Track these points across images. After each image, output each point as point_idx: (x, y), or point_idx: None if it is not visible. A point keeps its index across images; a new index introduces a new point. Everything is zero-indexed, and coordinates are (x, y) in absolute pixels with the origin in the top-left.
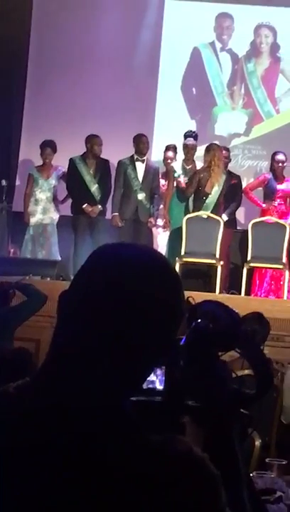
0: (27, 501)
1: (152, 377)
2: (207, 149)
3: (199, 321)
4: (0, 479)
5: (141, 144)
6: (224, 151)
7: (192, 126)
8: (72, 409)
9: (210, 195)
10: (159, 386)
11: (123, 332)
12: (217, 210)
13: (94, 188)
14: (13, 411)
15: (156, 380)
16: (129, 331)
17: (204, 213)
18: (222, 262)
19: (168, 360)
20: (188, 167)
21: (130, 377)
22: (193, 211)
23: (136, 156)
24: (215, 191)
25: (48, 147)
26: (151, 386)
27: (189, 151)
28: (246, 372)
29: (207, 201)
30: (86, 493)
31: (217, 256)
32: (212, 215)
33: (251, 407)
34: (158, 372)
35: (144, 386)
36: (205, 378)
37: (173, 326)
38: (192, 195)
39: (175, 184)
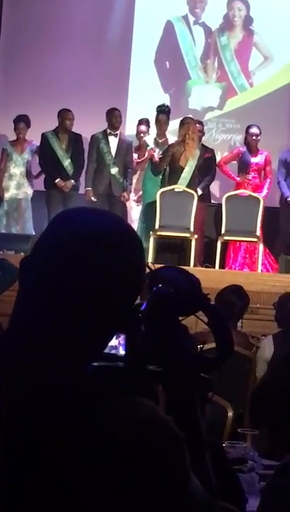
0: None
1: (115, 342)
2: (182, 123)
3: (160, 286)
4: None
5: (113, 118)
6: (198, 125)
7: (165, 99)
8: (33, 376)
9: (185, 170)
10: (122, 351)
11: (82, 298)
12: (192, 184)
13: (66, 162)
14: None
15: (119, 345)
16: (88, 296)
17: (178, 187)
18: (196, 236)
19: (129, 326)
20: (160, 141)
21: (91, 344)
22: (169, 185)
23: (109, 131)
24: (189, 165)
25: (22, 122)
26: (114, 351)
27: (161, 126)
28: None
29: (182, 175)
30: (53, 463)
31: (192, 229)
32: (186, 189)
33: (213, 372)
34: (122, 337)
35: (107, 351)
36: (165, 343)
37: (134, 291)
38: (168, 170)
39: (147, 157)
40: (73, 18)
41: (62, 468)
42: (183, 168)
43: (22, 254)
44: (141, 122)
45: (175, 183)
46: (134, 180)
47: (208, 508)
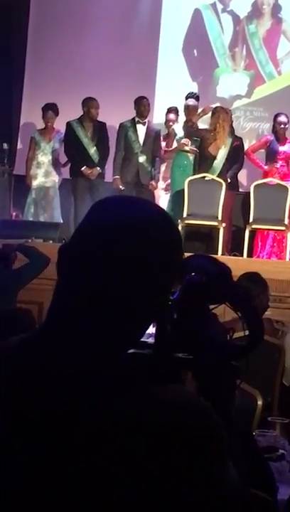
0: (25, 466)
1: (152, 330)
2: (213, 112)
3: (193, 274)
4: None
5: (142, 106)
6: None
7: (193, 88)
8: (71, 363)
9: (216, 159)
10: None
11: (122, 286)
12: (223, 172)
13: (92, 150)
14: (15, 365)
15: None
16: (127, 285)
17: (208, 175)
18: (224, 224)
19: (160, 314)
20: (189, 132)
21: (130, 332)
22: (199, 173)
23: (137, 119)
24: (221, 154)
25: (50, 110)
26: (151, 339)
27: (190, 112)
28: (248, 333)
29: (214, 164)
30: (94, 451)
31: (220, 218)
32: (214, 177)
33: (242, 360)
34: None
35: (144, 339)
36: (197, 331)
37: (172, 279)
38: (197, 159)
39: (177, 147)
40: (101, 6)
41: (97, 455)
42: (213, 157)
43: (50, 242)
44: (170, 110)
45: (206, 172)
46: (163, 169)
47: (241, 495)
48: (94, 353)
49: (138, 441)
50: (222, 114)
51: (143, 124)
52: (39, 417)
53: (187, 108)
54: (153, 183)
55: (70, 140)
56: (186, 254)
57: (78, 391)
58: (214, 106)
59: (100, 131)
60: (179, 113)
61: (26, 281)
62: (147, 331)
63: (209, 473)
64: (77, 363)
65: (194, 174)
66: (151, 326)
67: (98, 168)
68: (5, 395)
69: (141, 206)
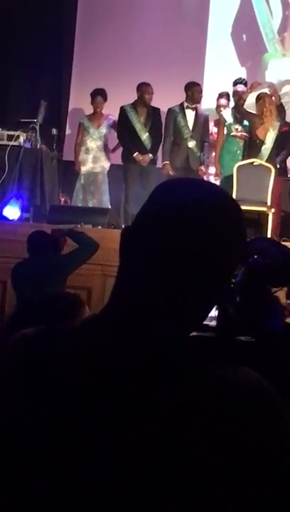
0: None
1: (215, 313)
2: (257, 99)
3: (255, 257)
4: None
5: (196, 92)
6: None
7: (242, 73)
8: (139, 345)
9: (265, 143)
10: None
11: (191, 268)
12: (271, 158)
13: (144, 136)
14: (79, 346)
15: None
16: (195, 267)
17: (257, 161)
18: (273, 210)
19: (223, 297)
20: (238, 115)
21: (195, 314)
22: (248, 159)
23: (186, 104)
24: (270, 138)
25: (99, 95)
26: (214, 322)
27: (239, 98)
28: None
29: (263, 148)
30: (156, 433)
31: (269, 203)
32: (263, 163)
33: None
34: None
35: (207, 322)
36: (258, 313)
37: (236, 263)
38: (246, 144)
39: (226, 132)
40: None
41: (165, 439)
42: (262, 142)
43: (99, 227)
44: (221, 95)
45: (255, 158)
46: (213, 154)
47: None
48: (161, 334)
49: (203, 421)
50: (267, 98)
51: (193, 109)
52: (109, 393)
53: (235, 94)
54: (202, 168)
55: (123, 125)
56: None
57: (146, 371)
58: (261, 83)
59: (153, 117)
60: (230, 98)
61: (75, 267)
62: (210, 314)
63: (275, 461)
64: (143, 343)
65: (243, 160)
66: (214, 309)
67: (150, 155)
68: (77, 371)
69: (208, 188)
